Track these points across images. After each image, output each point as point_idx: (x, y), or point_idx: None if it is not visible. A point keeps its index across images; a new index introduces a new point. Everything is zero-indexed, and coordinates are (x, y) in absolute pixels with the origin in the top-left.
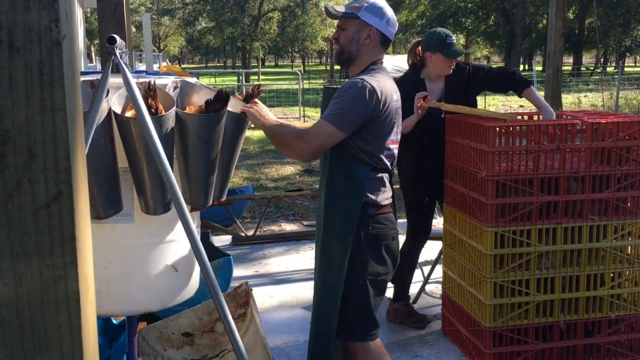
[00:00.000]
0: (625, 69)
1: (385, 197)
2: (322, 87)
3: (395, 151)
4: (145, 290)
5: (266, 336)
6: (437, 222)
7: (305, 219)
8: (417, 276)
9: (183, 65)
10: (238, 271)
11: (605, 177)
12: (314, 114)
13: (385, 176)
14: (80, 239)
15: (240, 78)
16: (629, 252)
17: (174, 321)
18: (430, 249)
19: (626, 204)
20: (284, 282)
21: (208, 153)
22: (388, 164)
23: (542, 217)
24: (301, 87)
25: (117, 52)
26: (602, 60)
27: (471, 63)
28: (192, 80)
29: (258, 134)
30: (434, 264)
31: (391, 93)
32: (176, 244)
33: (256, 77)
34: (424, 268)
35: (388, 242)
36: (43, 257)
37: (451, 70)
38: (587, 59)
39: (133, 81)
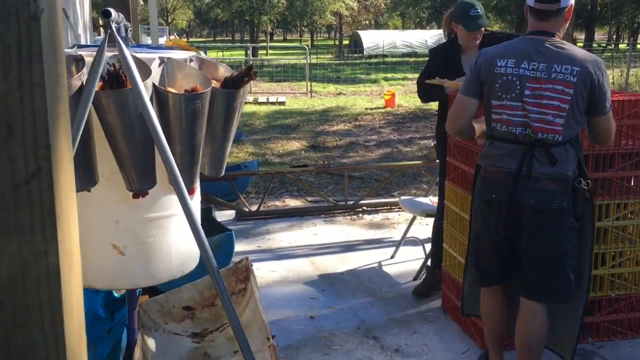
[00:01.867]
0: (638, 46)
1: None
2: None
3: (504, 117)
4: (141, 265)
5: (266, 311)
6: (432, 201)
7: (309, 195)
8: (419, 253)
9: (191, 39)
10: (241, 246)
11: (609, 156)
12: (321, 89)
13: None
14: (63, 215)
15: (248, 52)
16: (630, 232)
17: (175, 295)
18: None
19: (629, 183)
20: (286, 258)
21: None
22: (495, 128)
23: None
24: (308, 61)
25: (114, 25)
26: (614, 37)
27: (505, 33)
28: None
29: (264, 108)
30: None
31: (495, 58)
32: (175, 219)
33: (264, 52)
34: (426, 245)
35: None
36: (23, 233)
37: (476, 43)
38: (599, 35)
39: (129, 55)
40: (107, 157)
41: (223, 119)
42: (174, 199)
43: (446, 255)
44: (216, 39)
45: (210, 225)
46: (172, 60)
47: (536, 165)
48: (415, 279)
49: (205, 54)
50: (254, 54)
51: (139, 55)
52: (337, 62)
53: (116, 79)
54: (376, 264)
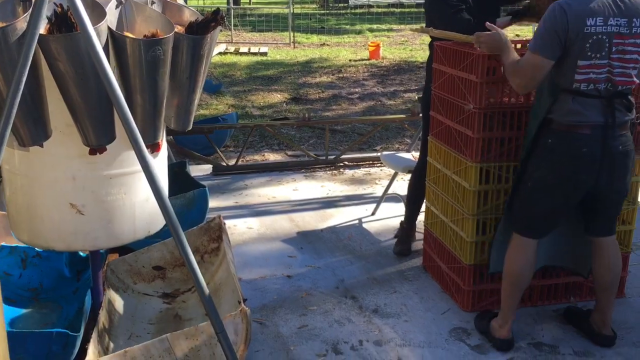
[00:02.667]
0: None
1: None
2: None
3: (591, 75)
4: (102, 226)
5: (242, 270)
6: (414, 156)
7: (289, 149)
8: (400, 209)
9: None
10: (217, 201)
11: None
12: (304, 39)
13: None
14: None
15: (230, 1)
16: None
17: (145, 254)
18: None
19: None
20: (264, 214)
21: (165, 81)
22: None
23: None
24: (291, 11)
25: None
26: None
27: None
28: None
29: (245, 59)
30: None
31: (584, 17)
32: (139, 176)
33: (247, 1)
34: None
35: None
36: None
37: None
38: None
39: None
40: (61, 108)
41: (189, 68)
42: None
43: (428, 213)
44: None
45: (183, 181)
46: (130, 2)
47: (617, 115)
48: (396, 236)
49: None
50: (236, 2)
51: None
52: (322, 12)
53: (65, 22)
54: (356, 221)
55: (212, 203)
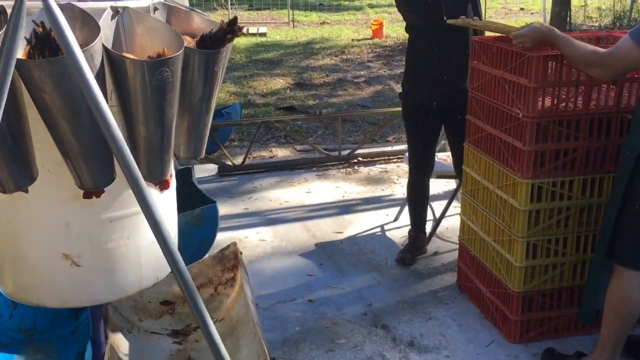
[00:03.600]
0: None
1: None
2: None
3: None
4: (102, 277)
5: (258, 293)
6: (449, 155)
7: (297, 142)
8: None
9: None
10: (226, 208)
11: None
12: (304, 17)
13: None
14: None
15: None
16: None
17: (151, 288)
18: (445, 184)
19: None
20: (277, 222)
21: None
22: None
23: (588, 166)
24: None
25: None
26: None
27: None
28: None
29: (244, 40)
30: (446, 206)
31: None
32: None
33: None
34: (432, 204)
35: None
36: None
37: None
38: None
39: (54, 6)
40: (49, 142)
41: (201, 88)
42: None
43: (464, 228)
44: None
45: (189, 192)
46: (129, 11)
47: None
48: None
49: None
50: None
51: (82, 5)
52: None
53: (48, 43)
54: (378, 229)
55: (220, 210)
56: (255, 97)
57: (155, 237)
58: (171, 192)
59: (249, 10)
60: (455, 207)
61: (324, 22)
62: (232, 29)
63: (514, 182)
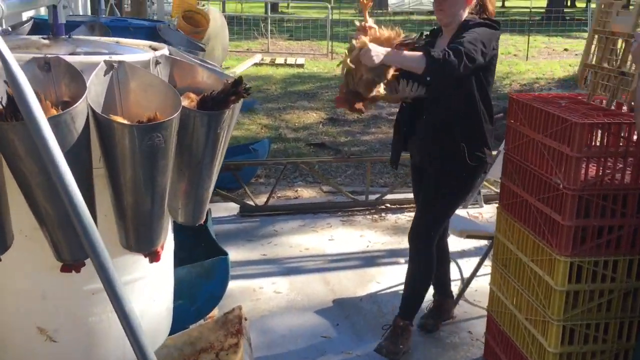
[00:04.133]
0: None
1: None
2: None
3: None
4: (81, 355)
5: (268, 353)
6: (481, 212)
7: (325, 183)
8: (453, 273)
9: None
10: (243, 253)
11: None
12: (342, 49)
13: None
14: None
15: (268, 9)
16: None
17: None
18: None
19: None
20: (295, 272)
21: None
22: None
23: (635, 246)
24: (330, 18)
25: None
26: None
27: (477, 21)
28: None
29: (281, 71)
30: (476, 268)
31: None
32: (132, 287)
33: (285, 5)
34: (459, 261)
35: None
36: None
37: (441, 20)
38: None
39: (11, 61)
40: (26, 206)
41: (201, 152)
42: (128, 260)
43: (493, 298)
44: None
45: (201, 239)
46: (125, 66)
47: None
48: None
49: (223, 9)
50: (274, 8)
51: (74, 59)
52: (361, 19)
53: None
54: (402, 287)
55: (237, 255)
56: (286, 130)
57: (122, 324)
58: (164, 262)
59: (288, 39)
60: (487, 265)
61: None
62: (236, 90)
63: (551, 259)
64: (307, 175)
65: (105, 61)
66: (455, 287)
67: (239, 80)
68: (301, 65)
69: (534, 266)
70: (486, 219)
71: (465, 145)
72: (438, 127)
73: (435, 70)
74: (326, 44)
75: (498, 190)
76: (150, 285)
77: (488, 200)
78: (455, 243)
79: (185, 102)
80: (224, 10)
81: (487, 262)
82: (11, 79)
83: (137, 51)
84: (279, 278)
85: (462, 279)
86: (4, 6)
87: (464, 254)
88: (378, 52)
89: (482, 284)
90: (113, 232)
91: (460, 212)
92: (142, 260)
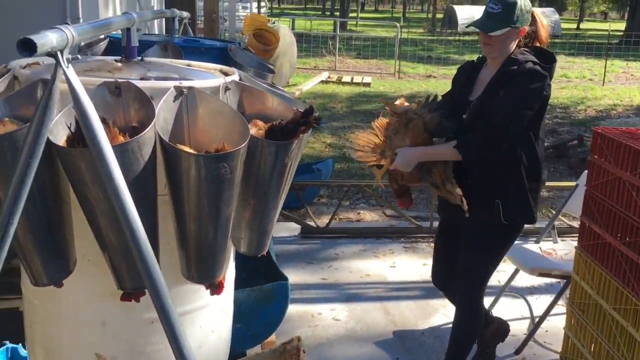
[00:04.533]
0: None
1: None
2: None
3: None
4: None
5: None
6: (554, 248)
7: (387, 208)
8: (520, 309)
9: (282, 6)
10: (303, 275)
11: None
12: (410, 69)
13: None
14: None
15: (336, 27)
16: None
17: None
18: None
19: None
20: (355, 299)
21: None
22: None
23: None
24: (399, 37)
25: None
26: None
27: (525, 67)
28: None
29: (347, 89)
30: (548, 308)
31: None
32: (191, 317)
33: (354, 23)
34: (531, 303)
35: None
36: None
37: (489, 54)
38: None
39: (81, 90)
40: (90, 231)
41: (267, 181)
42: (189, 290)
43: (568, 345)
44: (307, 6)
45: (263, 260)
46: (195, 92)
47: None
48: (517, 352)
49: (292, 26)
50: (343, 27)
51: (143, 84)
52: (429, 38)
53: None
54: None
55: (297, 277)
56: (351, 151)
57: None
58: (224, 298)
59: (356, 57)
60: (559, 305)
61: (431, 75)
62: (307, 120)
63: (636, 308)
64: (369, 198)
65: (175, 87)
66: (522, 325)
67: (309, 110)
68: (368, 84)
69: (616, 315)
70: (560, 256)
71: (501, 202)
72: (474, 179)
73: (472, 160)
74: (394, 63)
75: (571, 224)
76: (211, 315)
77: (562, 233)
78: (524, 278)
79: (253, 130)
80: (293, 28)
81: (560, 302)
82: (78, 107)
83: (208, 76)
84: (338, 304)
85: (532, 317)
86: (75, 33)
87: (533, 290)
88: (408, 158)
89: (553, 324)
90: (175, 260)
91: (532, 247)
92: (203, 290)
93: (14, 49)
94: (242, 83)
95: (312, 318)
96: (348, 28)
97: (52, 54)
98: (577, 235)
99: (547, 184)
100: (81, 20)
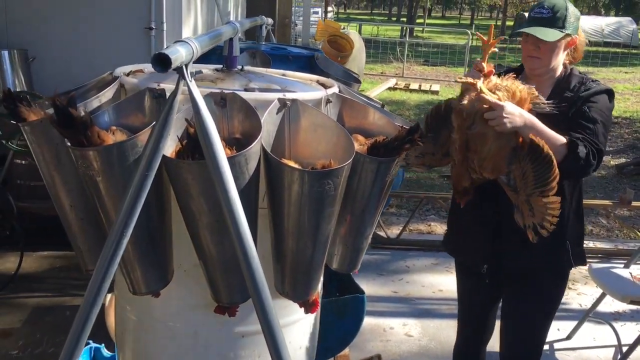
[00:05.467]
0: None
1: None
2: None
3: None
4: None
5: None
6: (635, 277)
7: None
8: (607, 337)
9: (348, 10)
10: (373, 287)
11: None
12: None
13: None
14: None
15: (404, 32)
16: None
17: None
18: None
19: None
20: (427, 316)
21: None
22: None
23: None
24: (469, 44)
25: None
26: None
27: (600, 85)
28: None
29: (415, 97)
30: (638, 339)
31: None
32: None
33: (420, 29)
34: (617, 329)
35: None
36: None
37: (536, 68)
38: None
39: (203, 107)
40: (189, 240)
41: (366, 198)
42: (280, 305)
43: None
44: (373, 12)
45: (338, 278)
46: (298, 104)
47: None
48: None
49: (360, 31)
50: (410, 33)
51: (248, 96)
52: (500, 45)
53: (199, 144)
54: (546, 346)
55: (367, 289)
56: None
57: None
58: (317, 316)
59: (424, 64)
60: None
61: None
62: (411, 138)
63: None
64: (440, 209)
65: (279, 99)
66: (608, 353)
67: (415, 128)
68: (436, 92)
69: None
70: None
71: (570, 243)
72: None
73: (571, 169)
74: (463, 71)
75: None
76: (300, 332)
77: None
78: (607, 303)
79: (355, 146)
80: (360, 33)
81: None
82: (199, 121)
83: (308, 88)
84: (411, 320)
85: (620, 345)
86: (198, 46)
87: (617, 316)
88: (514, 115)
89: None
90: (269, 275)
91: (621, 272)
92: (294, 305)
93: (100, 51)
94: (343, 96)
95: (383, 332)
96: (415, 34)
97: (176, 67)
98: None
99: (634, 204)
100: (165, 26)
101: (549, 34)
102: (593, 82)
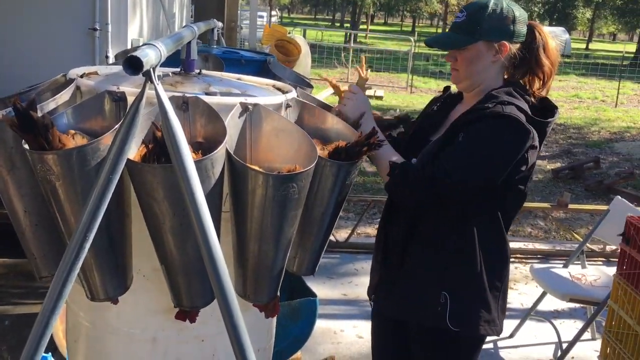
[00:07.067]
0: None
1: None
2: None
3: None
4: None
5: None
6: (584, 274)
7: None
8: (547, 334)
9: (292, 15)
10: (323, 290)
11: None
12: (422, 84)
13: None
14: None
15: (348, 38)
16: None
17: None
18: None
19: None
20: None
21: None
22: None
23: None
24: (412, 51)
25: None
26: None
27: (503, 109)
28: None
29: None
30: (577, 335)
31: None
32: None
33: (364, 35)
34: (557, 326)
35: None
36: None
37: (456, 82)
38: None
39: (170, 110)
40: (151, 246)
41: (326, 202)
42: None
43: None
44: (316, 16)
45: (292, 281)
46: (260, 109)
47: None
48: None
49: (304, 36)
50: (354, 39)
51: (210, 100)
52: (440, 52)
53: (165, 149)
54: (490, 345)
55: (318, 292)
56: (366, 164)
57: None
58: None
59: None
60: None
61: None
62: (369, 142)
63: None
64: None
65: (241, 103)
66: (548, 350)
67: (373, 132)
68: (380, 98)
69: None
70: (590, 282)
71: (449, 296)
72: (415, 257)
73: (391, 188)
74: (406, 77)
75: (602, 247)
76: (257, 334)
77: (589, 257)
78: (547, 302)
79: (317, 150)
80: (304, 37)
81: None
82: (166, 124)
83: (267, 92)
84: (361, 321)
85: (560, 342)
86: (165, 49)
87: (557, 314)
88: (358, 107)
89: (581, 351)
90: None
91: (560, 271)
92: (252, 309)
93: (44, 51)
94: (302, 100)
95: (334, 335)
96: (358, 40)
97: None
98: (604, 259)
99: (570, 206)
100: (110, 27)
101: (448, 43)
102: (505, 106)
